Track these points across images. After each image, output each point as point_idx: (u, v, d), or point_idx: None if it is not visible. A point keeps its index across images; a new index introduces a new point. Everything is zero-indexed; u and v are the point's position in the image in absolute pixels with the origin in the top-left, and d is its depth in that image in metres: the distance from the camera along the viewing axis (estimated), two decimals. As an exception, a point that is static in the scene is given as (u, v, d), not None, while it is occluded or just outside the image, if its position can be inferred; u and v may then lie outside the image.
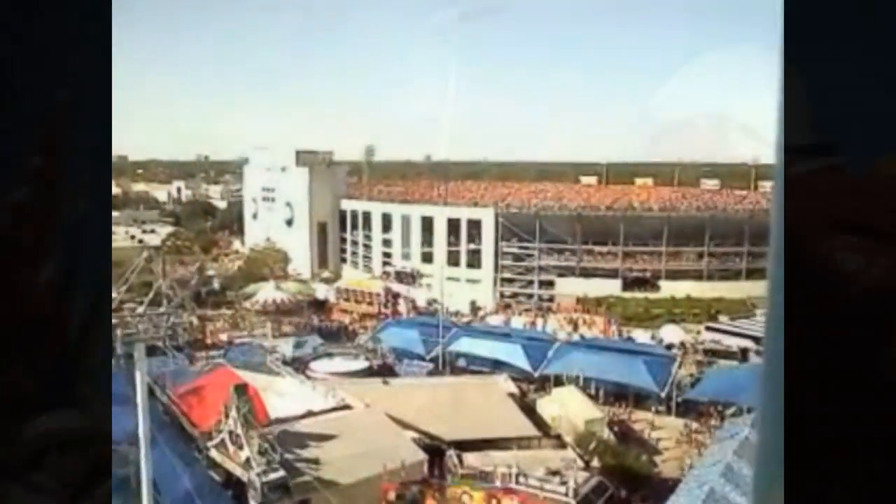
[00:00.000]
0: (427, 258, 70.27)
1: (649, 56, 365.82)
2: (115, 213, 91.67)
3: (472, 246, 68.06)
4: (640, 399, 40.25)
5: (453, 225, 69.76)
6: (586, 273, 65.02)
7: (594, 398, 38.79)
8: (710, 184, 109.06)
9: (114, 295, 36.95)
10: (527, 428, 33.41)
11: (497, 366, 43.19)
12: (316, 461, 28.56)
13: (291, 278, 71.79)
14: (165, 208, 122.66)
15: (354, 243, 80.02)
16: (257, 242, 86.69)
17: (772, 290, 0.80)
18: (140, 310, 41.61)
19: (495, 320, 57.43)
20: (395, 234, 74.19)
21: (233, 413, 28.84)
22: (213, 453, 30.37)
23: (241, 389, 29.37)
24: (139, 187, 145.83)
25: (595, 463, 30.08)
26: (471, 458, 30.22)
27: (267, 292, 56.06)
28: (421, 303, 63.29)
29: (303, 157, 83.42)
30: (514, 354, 43.49)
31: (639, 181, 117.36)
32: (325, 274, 76.38)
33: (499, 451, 30.74)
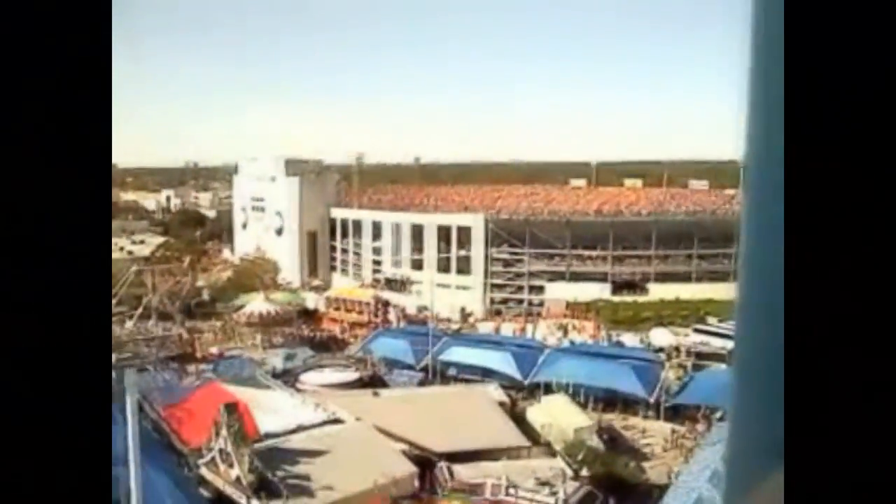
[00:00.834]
0: (417, 265, 70.41)
1: (637, 50, 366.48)
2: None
3: (462, 252, 68.21)
4: (629, 405, 40.48)
5: (443, 231, 69.92)
6: (576, 277, 65.28)
7: (584, 405, 39.01)
8: (699, 184, 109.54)
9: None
10: (517, 438, 33.60)
11: (487, 374, 43.38)
12: (307, 477, 28.67)
13: (281, 288, 71.78)
14: (155, 218, 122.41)
15: (344, 251, 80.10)
16: (247, 252, 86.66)
17: (742, 291, 0.90)
18: (129, 324, 41.65)
19: (486, 327, 57.62)
20: (386, 242, 74.30)
21: (223, 431, 28.94)
22: (204, 471, 30.45)
23: (232, 407, 29.50)
24: (128, 196, 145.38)
25: (584, 472, 30.23)
26: (461, 470, 30.34)
27: (257, 304, 56.04)
28: (411, 310, 63.42)
29: (292, 166, 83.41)
30: (504, 363, 43.68)
31: (628, 182, 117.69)
32: (315, 282, 76.41)
33: (489, 461, 30.91)
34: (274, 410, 35.14)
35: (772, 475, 0.81)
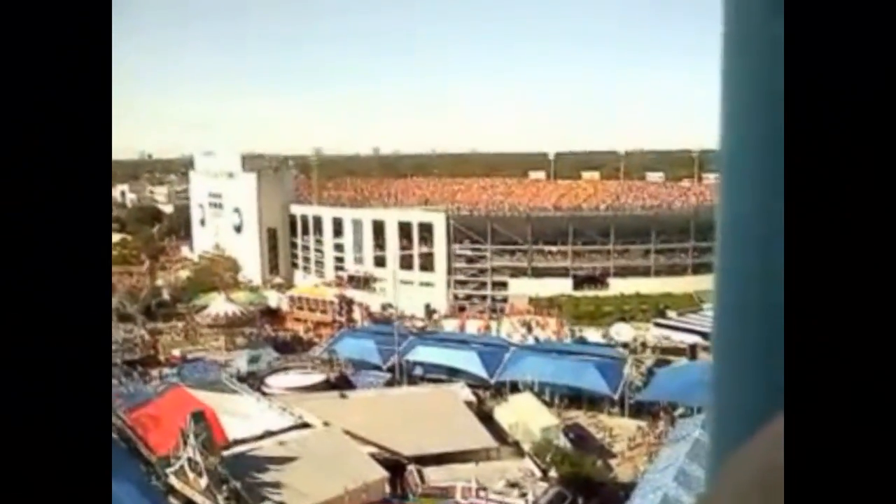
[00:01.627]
0: (380, 262, 70.31)
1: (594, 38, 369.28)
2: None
3: (425, 249, 68.32)
4: (594, 402, 41.10)
5: (405, 228, 69.92)
6: (538, 273, 65.88)
7: (549, 404, 39.53)
8: (655, 176, 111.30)
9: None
10: (485, 439, 33.93)
11: (454, 373, 43.70)
12: (276, 485, 28.66)
13: (243, 286, 71.09)
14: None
15: (305, 248, 79.58)
16: (206, 249, 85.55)
17: (718, 285, 0.94)
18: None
19: (451, 324, 57.87)
20: (347, 239, 73.99)
21: (191, 440, 28.76)
22: (173, 480, 30.25)
23: (199, 416, 29.32)
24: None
25: (553, 472, 30.71)
26: (432, 473, 30.61)
27: (218, 305, 55.41)
28: (375, 308, 63.40)
29: (249, 162, 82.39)
30: (470, 362, 44.04)
31: (586, 175, 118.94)
32: (277, 280, 75.78)
33: (459, 463, 31.20)
34: (241, 415, 34.95)
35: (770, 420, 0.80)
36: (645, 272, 66.27)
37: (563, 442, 34.08)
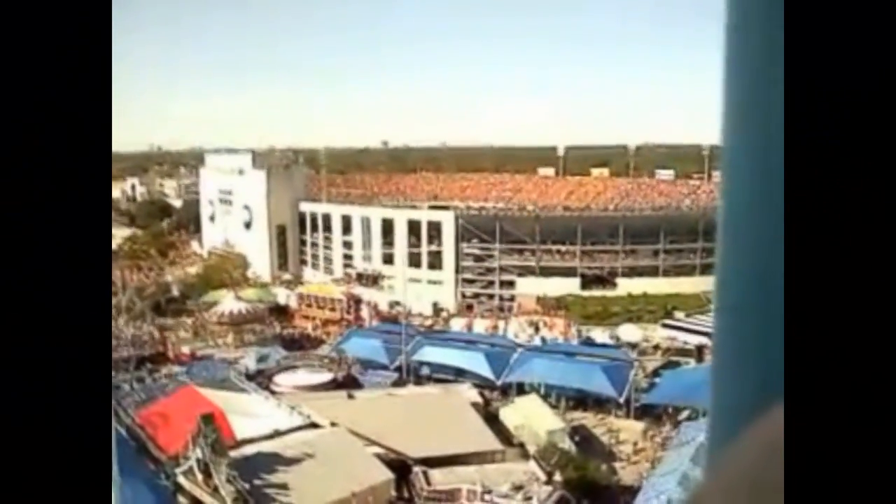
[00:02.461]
0: (388, 260, 70.61)
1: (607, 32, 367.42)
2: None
3: (433, 247, 68.51)
4: (600, 404, 41.22)
5: (414, 226, 70.14)
6: (546, 272, 65.95)
7: (556, 406, 39.66)
8: (665, 174, 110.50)
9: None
10: (491, 441, 34.08)
11: (460, 374, 43.93)
12: (284, 486, 28.93)
13: (251, 283, 71.48)
14: (120, 208, 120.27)
15: (314, 245, 79.90)
16: (215, 245, 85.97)
17: (718, 285, 0.94)
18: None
19: (458, 323, 58.06)
20: (356, 237, 74.28)
21: (200, 441, 29.04)
22: (182, 480, 30.55)
23: (208, 418, 29.56)
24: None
25: (558, 476, 30.84)
26: (437, 475, 30.81)
27: (228, 303, 55.79)
28: (383, 306, 63.68)
29: (259, 159, 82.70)
30: (476, 363, 44.23)
31: (595, 171, 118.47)
32: (286, 276, 76.14)
33: (464, 466, 31.38)
34: (249, 415, 35.26)
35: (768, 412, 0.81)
36: (653, 272, 66.24)
37: (568, 445, 34.20)
